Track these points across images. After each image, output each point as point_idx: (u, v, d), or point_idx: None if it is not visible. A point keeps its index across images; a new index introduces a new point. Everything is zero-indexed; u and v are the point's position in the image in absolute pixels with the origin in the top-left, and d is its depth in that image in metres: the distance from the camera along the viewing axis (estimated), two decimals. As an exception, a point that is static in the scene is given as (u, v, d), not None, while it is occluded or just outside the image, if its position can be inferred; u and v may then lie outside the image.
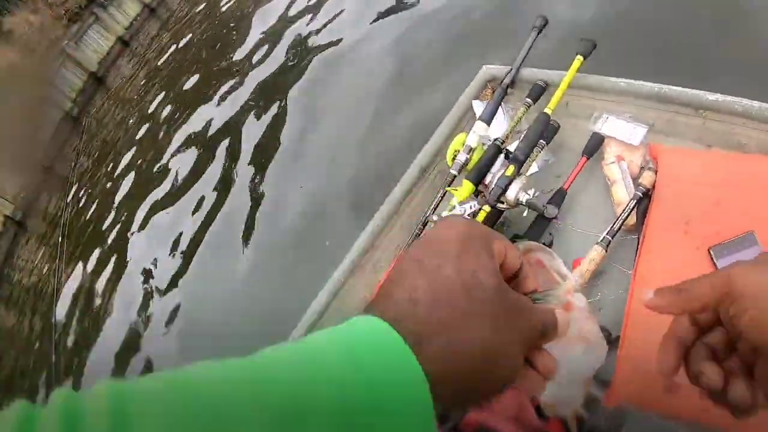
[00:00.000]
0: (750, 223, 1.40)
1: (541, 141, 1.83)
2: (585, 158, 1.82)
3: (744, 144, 1.69)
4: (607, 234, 1.56)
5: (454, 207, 1.79)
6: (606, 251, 1.54)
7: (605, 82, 1.96)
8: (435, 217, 1.85)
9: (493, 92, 2.22)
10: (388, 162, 3.59)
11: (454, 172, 1.94)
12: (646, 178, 1.65)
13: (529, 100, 2.01)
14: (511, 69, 2.14)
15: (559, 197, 1.75)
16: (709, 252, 1.40)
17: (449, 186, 1.93)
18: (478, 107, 2.24)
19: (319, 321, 1.95)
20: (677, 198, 1.58)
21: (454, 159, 1.97)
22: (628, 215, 1.60)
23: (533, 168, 1.89)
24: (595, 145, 1.84)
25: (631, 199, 1.63)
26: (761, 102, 1.62)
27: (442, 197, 1.96)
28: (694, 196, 1.57)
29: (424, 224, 1.96)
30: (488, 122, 1.98)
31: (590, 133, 1.88)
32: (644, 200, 1.62)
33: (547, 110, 1.86)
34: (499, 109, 2.05)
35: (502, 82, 2.12)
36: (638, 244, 1.55)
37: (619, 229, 1.58)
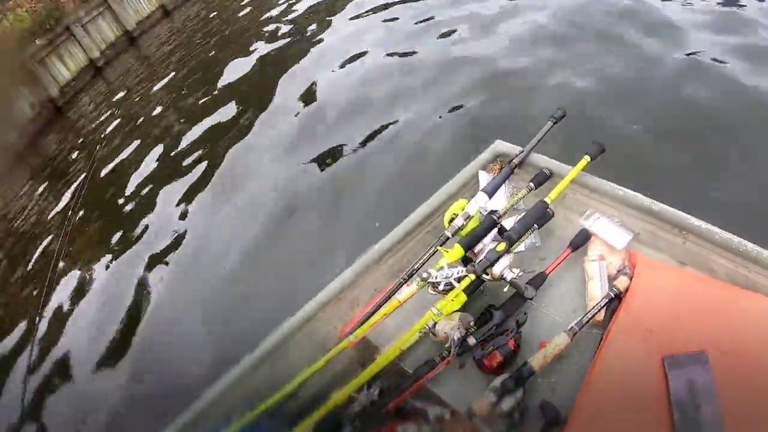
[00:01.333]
0: (705, 342, 1.54)
1: (535, 224, 1.97)
2: (570, 250, 1.96)
3: (715, 270, 1.85)
4: (575, 324, 1.69)
5: (442, 267, 1.90)
6: (571, 340, 1.66)
7: (604, 186, 2.11)
8: (424, 273, 1.94)
9: (501, 168, 2.37)
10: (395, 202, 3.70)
11: (448, 233, 2.05)
12: (621, 282, 1.79)
13: (532, 184, 2.15)
14: (523, 151, 2.28)
15: (539, 280, 1.87)
16: (663, 361, 1.54)
17: (441, 246, 2.04)
18: (483, 178, 2.37)
19: (289, 341, 2.01)
20: (644, 307, 1.72)
21: (451, 221, 2.09)
22: (598, 312, 1.73)
23: (521, 247, 2.02)
24: (582, 241, 1.98)
25: (603, 298, 1.76)
26: (740, 238, 1.79)
27: (432, 254, 2.06)
28: (660, 307, 1.71)
29: (410, 275, 2.05)
30: (490, 195, 2.11)
31: (579, 228, 2.03)
32: (615, 301, 1.76)
33: (547, 199, 2.00)
34: (504, 183, 2.20)
35: (511, 161, 2.26)
36: (601, 339, 1.68)
37: (587, 322, 1.71)
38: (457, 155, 3.47)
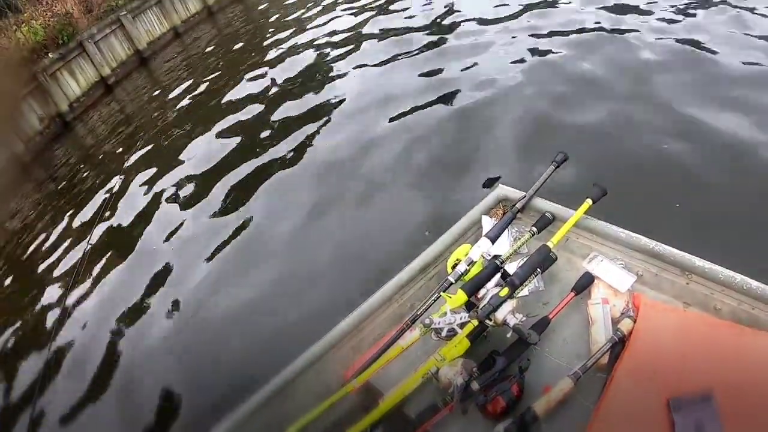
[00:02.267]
0: (710, 383, 1.53)
1: (538, 269, 1.97)
2: (573, 294, 1.95)
3: (719, 309, 1.85)
4: (579, 369, 1.68)
5: (445, 313, 1.91)
6: (575, 385, 1.65)
7: (607, 229, 2.13)
8: (427, 320, 1.94)
9: (504, 212, 2.40)
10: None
11: (451, 279, 2.07)
12: (625, 325, 1.79)
13: (534, 228, 2.16)
14: (525, 196, 2.32)
15: (542, 325, 1.86)
16: (668, 403, 1.52)
17: (444, 291, 2.04)
18: (486, 223, 2.39)
19: (292, 384, 2.01)
20: (649, 350, 1.71)
21: (454, 267, 2.11)
22: (602, 356, 1.71)
23: (524, 291, 2.03)
24: (585, 284, 1.98)
25: (607, 342, 1.75)
26: (743, 275, 1.79)
27: (435, 300, 2.07)
28: (664, 349, 1.70)
29: (413, 320, 2.05)
30: (493, 241, 2.14)
31: (582, 271, 2.03)
32: (618, 345, 1.75)
33: (550, 244, 2.01)
34: (507, 228, 2.22)
35: (514, 206, 2.29)
36: (605, 383, 1.67)
37: (591, 366, 1.69)
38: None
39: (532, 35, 7.30)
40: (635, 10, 7.09)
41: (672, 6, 6.91)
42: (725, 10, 6.43)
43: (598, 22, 6.98)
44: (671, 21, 6.52)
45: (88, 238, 6.63)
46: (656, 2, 7.18)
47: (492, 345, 1.88)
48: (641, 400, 1.57)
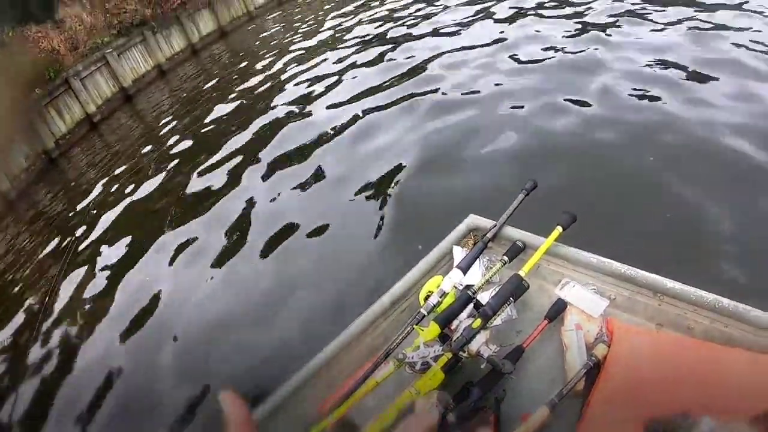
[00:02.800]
0: (687, 403, 1.52)
1: (511, 298, 1.97)
2: (547, 321, 1.95)
3: (692, 328, 1.86)
4: (555, 396, 1.66)
5: (418, 347, 1.88)
6: (551, 412, 1.63)
7: (577, 255, 2.14)
8: (400, 354, 1.91)
9: (475, 242, 2.40)
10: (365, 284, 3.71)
11: (423, 311, 2.04)
12: (599, 350, 1.78)
13: (506, 257, 2.17)
14: (495, 225, 2.32)
15: (516, 354, 1.85)
16: (646, 426, 1.50)
17: (417, 324, 2.02)
18: (458, 253, 2.39)
19: (266, 422, 1.96)
20: (624, 374, 1.70)
21: (426, 299, 2.09)
22: (578, 382, 1.70)
23: (497, 321, 2.01)
24: (558, 311, 1.98)
25: (582, 368, 1.74)
26: (714, 294, 1.81)
27: (408, 333, 2.03)
28: (639, 372, 1.70)
29: (387, 354, 2.02)
30: (465, 271, 2.12)
31: (555, 298, 2.03)
32: (594, 370, 1.74)
33: (521, 272, 2.01)
34: (479, 258, 2.22)
35: (484, 236, 2.29)
36: (582, 409, 1.65)
37: (567, 393, 1.67)
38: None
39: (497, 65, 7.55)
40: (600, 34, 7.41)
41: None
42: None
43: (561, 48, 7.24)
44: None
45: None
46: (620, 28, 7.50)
47: (467, 376, 1.86)
48: (618, 424, 1.56)
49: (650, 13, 8.01)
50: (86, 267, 6.91)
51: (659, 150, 4.43)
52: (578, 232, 2.22)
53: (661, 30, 7.35)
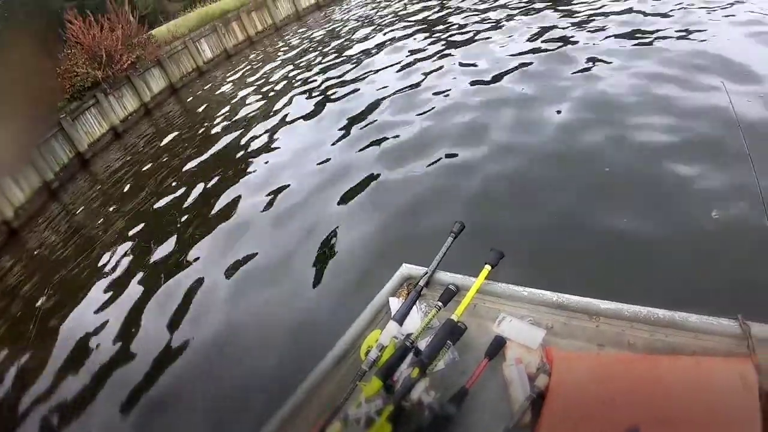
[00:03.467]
0: (636, 419, 1.51)
1: (448, 341, 1.96)
2: (487, 359, 1.93)
3: (633, 344, 1.88)
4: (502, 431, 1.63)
5: (360, 403, 1.83)
6: None
7: (510, 290, 2.18)
8: (343, 414, 1.84)
9: (409, 292, 2.39)
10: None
11: (365, 367, 2.02)
12: (541, 380, 1.77)
13: (440, 303, 2.18)
14: (427, 272, 2.33)
15: (461, 395, 1.82)
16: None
17: (360, 380, 1.99)
18: (394, 304, 2.37)
19: None
20: (568, 400, 1.69)
21: (367, 354, 2.06)
22: (523, 415, 1.68)
23: (440, 365, 2.00)
24: (497, 348, 1.97)
25: (525, 400, 1.72)
26: (648, 307, 1.86)
27: (352, 390, 2.00)
28: (584, 396, 1.69)
29: (333, 414, 1.95)
30: (401, 323, 2.11)
31: (494, 335, 2.02)
32: (538, 400, 1.72)
33: (454, 316, 2.03)
34: (414, 306, 2.20)
35: (417, 284, 2.29)
36: None
37: (514, 427, 1.65)
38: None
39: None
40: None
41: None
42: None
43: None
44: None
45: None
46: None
47: (415, 424, 1.81)
48: None
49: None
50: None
51: (572, 175, 4.58)
52: (509, 266, 2.26)
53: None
